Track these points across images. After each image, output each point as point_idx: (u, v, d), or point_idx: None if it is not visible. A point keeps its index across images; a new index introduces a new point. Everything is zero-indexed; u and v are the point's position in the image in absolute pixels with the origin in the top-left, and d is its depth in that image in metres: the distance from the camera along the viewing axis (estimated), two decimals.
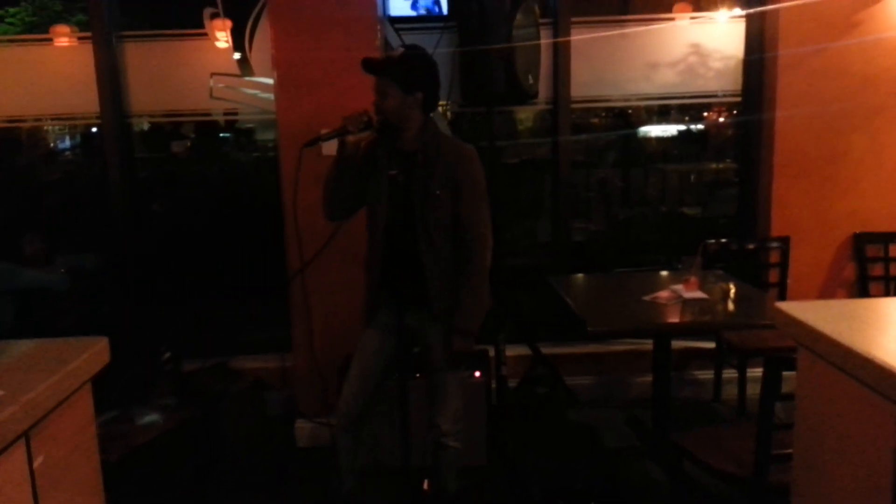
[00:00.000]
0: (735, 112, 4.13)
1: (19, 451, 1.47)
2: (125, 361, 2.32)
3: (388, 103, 2.53)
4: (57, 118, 4.10)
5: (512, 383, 3.57)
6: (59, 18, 4.27)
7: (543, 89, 3.81)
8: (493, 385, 3.40)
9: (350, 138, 2.56)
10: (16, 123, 4.03)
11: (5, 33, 4.29)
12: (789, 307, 1.87)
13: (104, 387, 1.92)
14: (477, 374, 3.29)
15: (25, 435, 1.49)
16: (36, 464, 1.53)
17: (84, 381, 1.77)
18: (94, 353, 1.80)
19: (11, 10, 4.44)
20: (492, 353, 3.41)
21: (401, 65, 2.54)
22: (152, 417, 3.20)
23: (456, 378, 2.71)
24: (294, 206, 2.81)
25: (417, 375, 2.97)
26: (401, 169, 2.47)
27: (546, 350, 3.75)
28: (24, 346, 1.84)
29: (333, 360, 3.46)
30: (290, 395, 3.80)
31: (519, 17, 3.31)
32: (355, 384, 2.72)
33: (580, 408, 3.77)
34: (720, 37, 3.99)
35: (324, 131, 2.68)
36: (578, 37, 3.90)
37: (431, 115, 2.64)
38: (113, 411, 3.20)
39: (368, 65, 2.52)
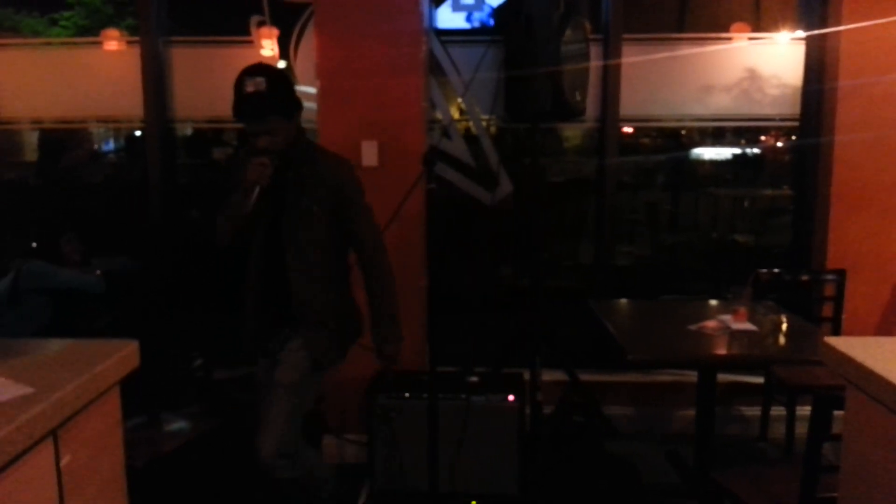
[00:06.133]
0: (792, 137, 3.99)
1: (47, 449, 1.49)
2: (156, 366, 2.30)
3: (280, 141, 2.41)
4: (103, 121, 4.16)
5: (547, 410, 3.46)
6: (111, 22, 4.33)
7: (591, 107, 3.72)
8: (527, 411, 3.29)
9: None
10: (63, 125, 4.09)
11: (58, 36, 4.36)
12: (838, 343, 1.82)
13: (134, 391, 1.91)
14: (510, 397, 3.18)
15: (54, 433, 1.51)
16: (63, 462, 1.54)
17: (112, 383, 1.78)
18: (123, 356, 1.81)
19: (65, 13, 4.53)
20: (527, 376, 3.31)
21: (281, 97, 2.40)
22: (180, 425, 3.18)
23: (294, 400, 2.54)
24: None
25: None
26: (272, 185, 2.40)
27: (584, 377, 3.64)
28: (55, 346, 1.87)
29: (362, 376, 3.39)
30: (318, 409, 3.73)
31: (568, 32, 3.25)
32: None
33: (618, 439, 3.65)
34: (778, 59, 3.87)
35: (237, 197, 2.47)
36: (631, 57, 3.82)
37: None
38: (141, 416, 3.18)
39: (256, 112, 2.35)
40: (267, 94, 2.31)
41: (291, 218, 2.47)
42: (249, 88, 2.30)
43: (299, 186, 2.46)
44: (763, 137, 4.28)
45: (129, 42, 3.91)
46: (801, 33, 3.83)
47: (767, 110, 3.92)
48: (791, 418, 3.48)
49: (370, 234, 2.57)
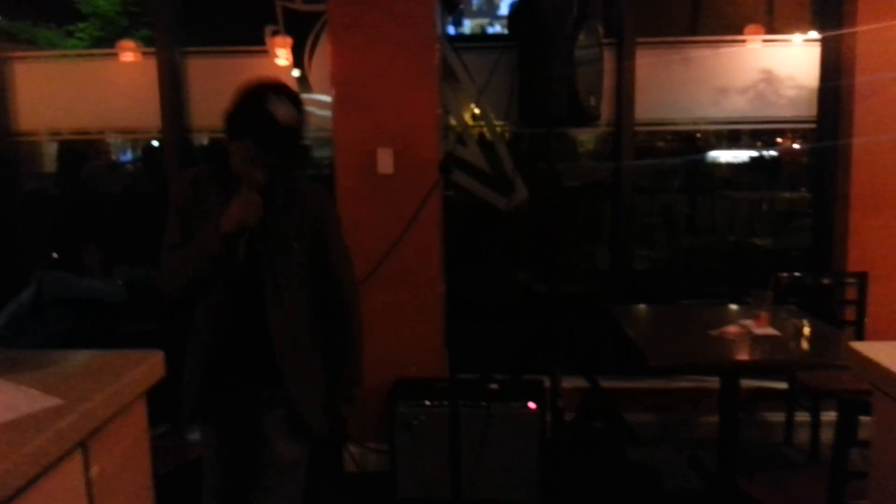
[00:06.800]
0: (810, 139, 3.96)
1: (77, 460, 1.50)
2: (178, 375, 2.29)
3: (271, 177, 1.98)
4: (120, 131, 4.20)
5: (567, 416, 3.44)
6: (126, 34, 4.36)
7: (606, 111, 3.71)
8: (548, 418, 3.27)
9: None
10: (81, 136, 4.12)
11: (74, 48, 4.39)
12: (863, 347, 1.82)
13: (157, 400, 1.91)
14: (531, 404, 3.17)
15: (83, 444, 1.51)
16: (92, 473, 1.55)
17: (139, 393, 1.78)
18: (149, 366, 1.82)
19: (81, 25, 4.56)
20: (547, 383, 3.29)
21: (301, 138, 2.03)
22: None
23: (297, 480, 2.15)
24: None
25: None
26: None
27: (604, 383, 3.61)
28: (81, 357, 1.87)
29: (382, 384, 3.39)
30: (340, 413, 3.72)
31: (582, 36, 3.24)
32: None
33: (639, 445, 3.62)
34: (793, 60, 3.84)
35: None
36: (645, 60, 3.81)
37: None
38: (164, 425, 3.18)
39: (279, 147, 1.95)
40: (296, 131, 1.95)
41: (274, 256, 2.03)
42: (281, 115, 1.89)
43: (281, 217, 2.05)
44: (779, 140, 4.25)
45: (144, 53, 3.93)
46: (815, 34, 3.80)
47: (783, 112, 3.89)
48: (815, 423, 3.44)
49: (347, 274, 2.19)
